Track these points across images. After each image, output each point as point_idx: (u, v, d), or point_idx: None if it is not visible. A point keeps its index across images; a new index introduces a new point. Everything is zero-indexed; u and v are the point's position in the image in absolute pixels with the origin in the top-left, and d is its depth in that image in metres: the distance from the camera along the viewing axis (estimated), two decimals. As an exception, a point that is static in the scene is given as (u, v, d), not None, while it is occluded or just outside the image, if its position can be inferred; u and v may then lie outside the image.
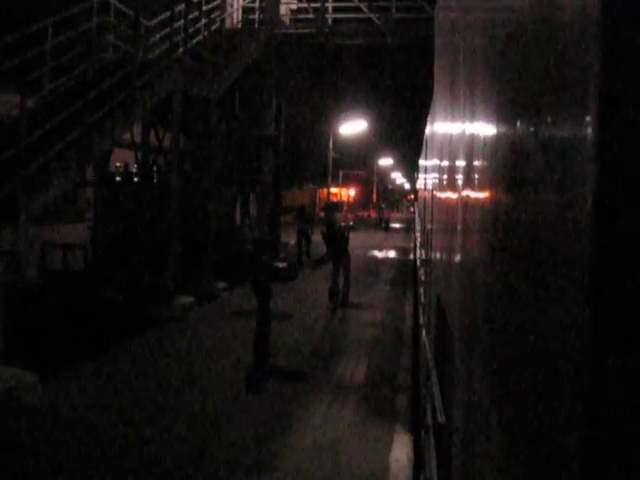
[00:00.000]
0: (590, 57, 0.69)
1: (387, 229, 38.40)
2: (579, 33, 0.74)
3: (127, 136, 13.07)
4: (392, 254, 25.60)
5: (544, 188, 0.91)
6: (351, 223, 32.46)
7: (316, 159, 35.34)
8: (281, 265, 12.42)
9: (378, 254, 25.09)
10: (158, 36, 13.38)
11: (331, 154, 34.22)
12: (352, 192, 63.16)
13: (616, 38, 0.66)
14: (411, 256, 21.80)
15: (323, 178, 36.36)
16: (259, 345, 7.97)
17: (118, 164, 17.44)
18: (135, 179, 15.59)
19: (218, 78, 13.96)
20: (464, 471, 1.94)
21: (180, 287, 11.93)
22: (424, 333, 5.53)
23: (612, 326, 0.66)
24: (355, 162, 57.05)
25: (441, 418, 2.73)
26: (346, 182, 56.97)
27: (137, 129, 13.20)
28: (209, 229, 13.87)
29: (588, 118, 0.69)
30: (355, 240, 29.12)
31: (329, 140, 34.40)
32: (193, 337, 9.97)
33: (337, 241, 13.30)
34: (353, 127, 33.50)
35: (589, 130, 0.69)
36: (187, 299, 11.89)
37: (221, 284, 13.87)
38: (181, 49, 12.80)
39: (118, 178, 16.40)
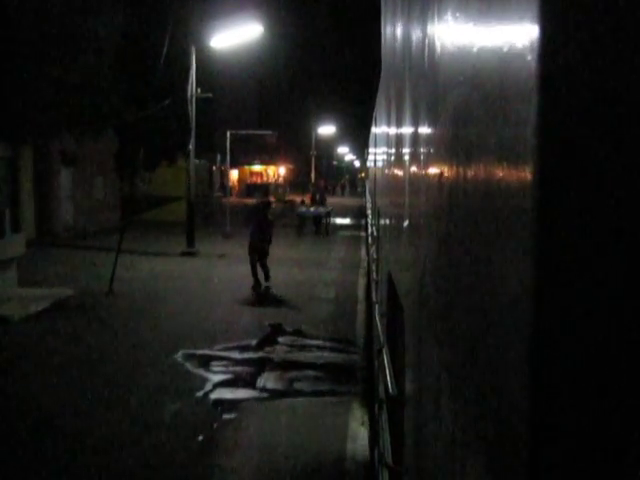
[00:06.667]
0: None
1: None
2: None
3: None
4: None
5: (491, 159, 0.90)
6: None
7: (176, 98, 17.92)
8: None
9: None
10: None
11: (193, 89, 17.45)
12: (282, 170, 49.54)
13: None
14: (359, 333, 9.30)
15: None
16: None
17: None
18: None
19: None
20: (416, 441, 1.96)
21: None
22: (376, 310, 5.58)
23: (557, 295, 0.65)
24: (275, 121, 37.45)
25: (393, 391, 2.76)
26: (243, 152, 38.48)
27: None
28: None
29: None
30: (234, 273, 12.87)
31: (190, 60, 17.24)
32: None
33: None
34: (238, 35, 17.37)
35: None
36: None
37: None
38: None
39: None
